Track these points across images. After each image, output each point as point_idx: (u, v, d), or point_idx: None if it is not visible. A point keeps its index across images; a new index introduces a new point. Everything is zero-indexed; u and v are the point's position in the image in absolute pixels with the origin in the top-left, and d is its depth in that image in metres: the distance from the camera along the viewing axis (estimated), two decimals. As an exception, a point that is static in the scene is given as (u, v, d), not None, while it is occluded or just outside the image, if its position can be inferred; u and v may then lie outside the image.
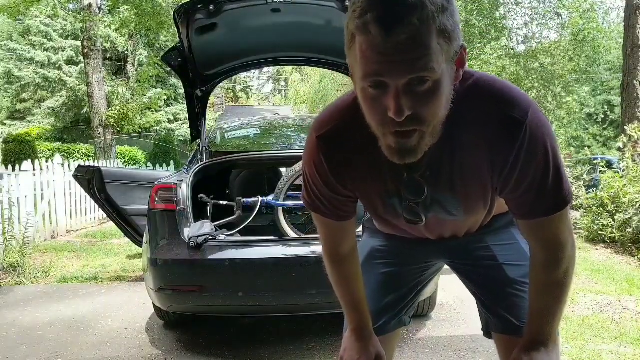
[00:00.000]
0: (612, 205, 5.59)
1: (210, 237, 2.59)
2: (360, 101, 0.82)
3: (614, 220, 5.49)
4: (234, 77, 25.66)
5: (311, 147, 0.99)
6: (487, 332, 1.25)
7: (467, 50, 0.85)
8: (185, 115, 15.39)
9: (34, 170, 6.17)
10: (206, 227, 2.66)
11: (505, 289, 1.18)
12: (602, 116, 20.77)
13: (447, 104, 0.80)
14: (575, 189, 6.50)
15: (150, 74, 13.19)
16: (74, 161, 9.56)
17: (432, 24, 0.72)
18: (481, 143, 0.87)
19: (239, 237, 2.81)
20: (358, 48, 0.75)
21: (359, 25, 0.73)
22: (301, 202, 3.48)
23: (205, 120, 3.55)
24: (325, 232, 1.13)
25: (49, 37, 19.10)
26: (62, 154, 13.77)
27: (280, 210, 2.90)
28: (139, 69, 16.26)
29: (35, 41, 18.99)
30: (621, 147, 6.29)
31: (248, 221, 2.88)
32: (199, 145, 3.40)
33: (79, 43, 14.51)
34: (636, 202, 5.27)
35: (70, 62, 18.75)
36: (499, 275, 1.20)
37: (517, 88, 0.90)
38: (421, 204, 0.99)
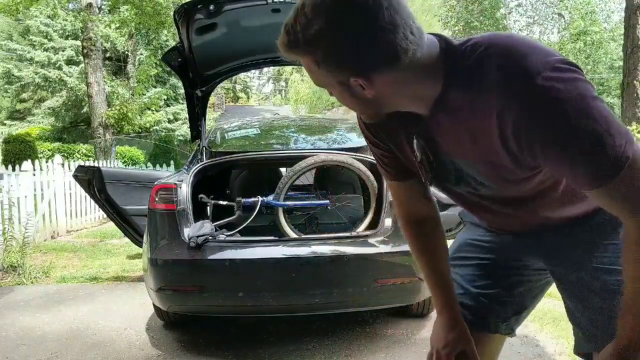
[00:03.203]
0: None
1: (210, 237, 2.59)
2: None
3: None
4: (234, 77, 25.66)
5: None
6: (581, 353, 1.12)
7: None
8: (185, 115, 15.41)
9: (34, 170, 6.16)
10: (206, 227, 2.66)
11: (598, 298, 1.05)
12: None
13: (357, 105, 0.92)
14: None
15: (151, 74, 13.18)
16: (74, 161, 9.56)
17: (300, 54, 0.85)
18: (488, 105, 0.84)
19: (239, 237, 2.81)
20: None
21: None
22: (301, 202, 3.48)
23: (205, 120, 3.55)
24: (393, 193, 1.21)
25: (49, 37, 19.10)
26: (62, 154, 13.78)
27: (280, 210, 2.90)
28: (139, 68, 16.26)
29: (35, 41, 18.99)
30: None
31: (248, 221, 2.88)
32: (199, 145, 3.40)
33: (79, 43, 14.52)
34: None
35: (70, 61, 18.75)
36: (592, 282, 1.06)
37: (535, 44, 0.85)
38: (449, 175, 1.02)
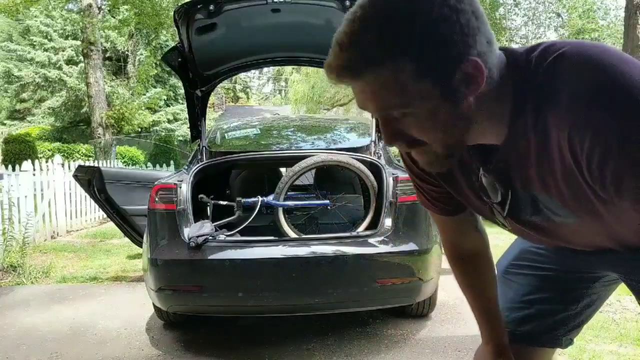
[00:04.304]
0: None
1: (210, 237, 2.59)
2: None
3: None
4: (234, 77, 25.67)
5: None
6: None
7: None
8: (185, 115, 15.42)
9: (34, 170, 6.17)
10: (206, 227, 2.66)
11: None
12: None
13: (447, 125, 0.73)
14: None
15: (151, 74, 13.18)
16: (74, 161, 9.56)
17: (380, 70, 0.68)
18: (562, 124, 0.70)
19: (239, 237, 2.81)
20: None
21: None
22: (301, 202, 3.46)
23: (205, 120, 3.55)
24: (440, 228, 1.11)
25: (49, 37, 19.12)
26: (62, 154, 13.77)
27: (280, 210, 2.90)
28: (139, 68, 16.27)
29: (35, 41, 19.01)
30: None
31: (248, 221, 2.88)
32: (199, 145, 3.40)
33: (79, 43, 14.53)
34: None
35: (70, 61, 18.77)
36: None
37: (624, 55, 0.71)
38: (526, 208, 0.87)
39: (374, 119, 3.43)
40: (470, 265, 1.11)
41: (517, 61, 0.75)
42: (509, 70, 0.74)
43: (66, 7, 16.54)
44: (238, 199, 3.00)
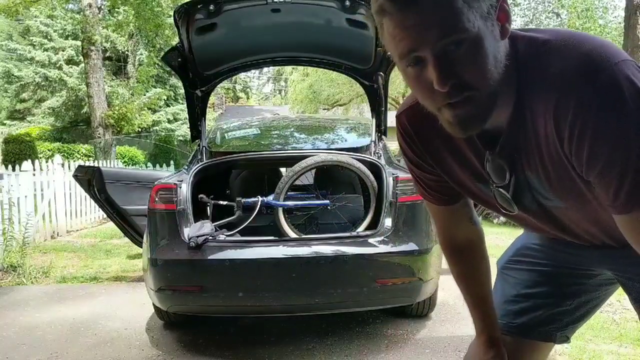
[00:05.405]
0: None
1: (210, 237, 2.59)
2: (408, 85, 0.80)
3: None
4: (234, 77, 25.68)
5: (396, 128, 0.99)
6: None
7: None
8: (185, 115, 15.41)
9: (34, 170, 6.16)
10: (206, 227, 2.66)
11: None
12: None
13: (496, 63, 0.74)
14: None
15: (151, 74, 13.17)
16: (74, 161, 9.56)
17: None
18: (550, 105, 0.75)
19: (239, 237, 2.81)
20: (386, 32, 0.74)
21: (377, 9, 0.72)
22: (301, 202, 3.46)
23: (205, 120, 3.55)
24: (435, 218, 1.12)
25: (49, 37, 19.12)
26: (62, 154, 13.78)
27: (280, 210, 2.90)
28: (139, 69, 16.27)
29: (35, 41, 19.00)
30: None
31: (248, 221, 2.88)
32: (199, 145, 3.40)
33: (79, 43, 14.51)
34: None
35: (70, 61, 18.76)
36: None
37: (605, 40, 0.77)
38: (525, 195, 0.90)
39: (374, 119, 3.43)
40: (464, 257, 1.12)
41: (517, 45, 0.79)
42: (513, 52, 0.78)
43: (66, 7, 16.56)
44: (238, 199, 2.99)
